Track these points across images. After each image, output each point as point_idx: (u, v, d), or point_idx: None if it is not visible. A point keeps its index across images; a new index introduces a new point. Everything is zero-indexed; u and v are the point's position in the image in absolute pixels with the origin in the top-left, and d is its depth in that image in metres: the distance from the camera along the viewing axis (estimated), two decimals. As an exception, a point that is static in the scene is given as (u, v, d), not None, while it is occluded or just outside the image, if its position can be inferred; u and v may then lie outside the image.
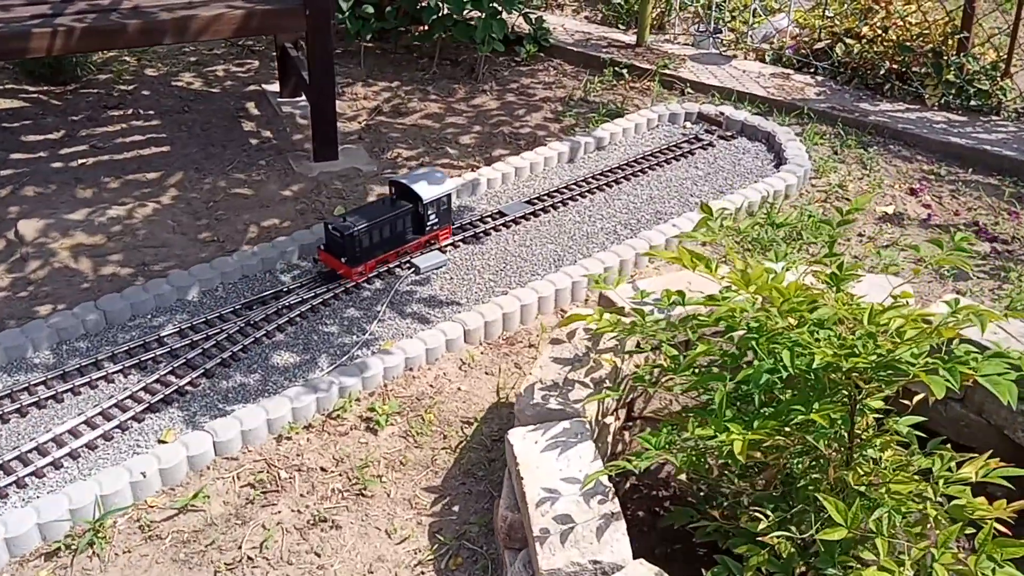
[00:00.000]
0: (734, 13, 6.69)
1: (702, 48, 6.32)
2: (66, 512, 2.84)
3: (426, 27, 6.00)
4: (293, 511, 2.99)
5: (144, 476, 2.96)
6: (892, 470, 2.61)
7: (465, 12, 5.75)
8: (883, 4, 5.74)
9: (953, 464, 2.58)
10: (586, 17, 7.05)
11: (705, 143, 5.12)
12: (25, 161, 4.92)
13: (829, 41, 5.98)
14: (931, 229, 4.49)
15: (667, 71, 5.93)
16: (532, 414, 2.83)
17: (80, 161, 4.94)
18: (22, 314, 3.80)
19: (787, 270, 2.91)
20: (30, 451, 3.09)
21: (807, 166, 4.78)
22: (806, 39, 6.12)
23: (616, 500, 2.54)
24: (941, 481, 2.51)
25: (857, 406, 2.53)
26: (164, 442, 3.16)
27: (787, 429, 2.42)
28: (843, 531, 2.32)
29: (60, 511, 2.83)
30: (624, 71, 5.97)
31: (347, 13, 5.99)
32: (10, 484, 2.97)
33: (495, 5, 5.73)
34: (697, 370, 2.62)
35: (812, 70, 5.98)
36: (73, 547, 2.81)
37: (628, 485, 3.19)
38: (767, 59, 6.15)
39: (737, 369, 2.50)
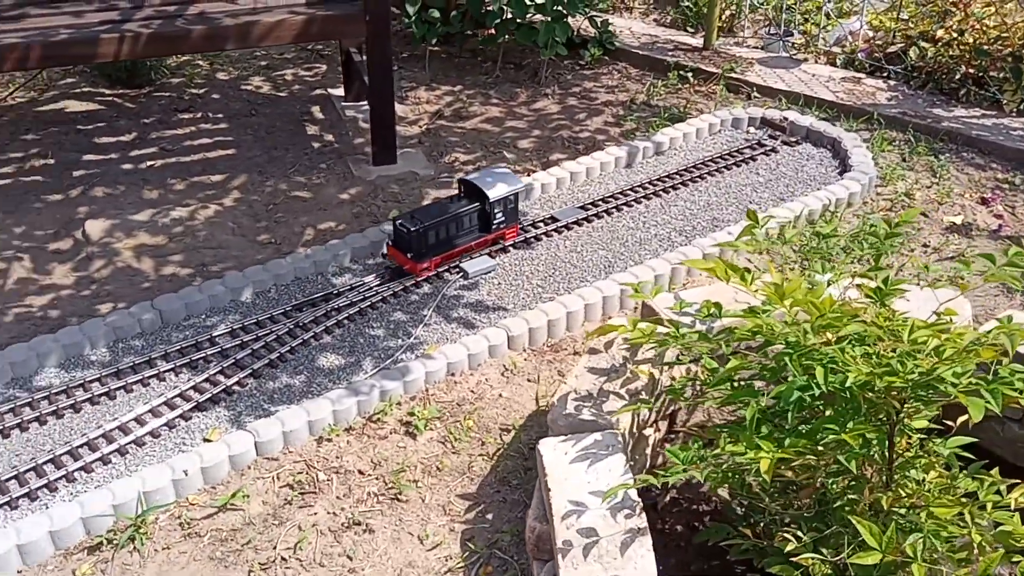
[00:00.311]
0: (806, 16, 6.53)
1: (772, 51, 6.19)
2: (109, 508, 2.92)
3: (490, 31, 6.00)
4: (329, 513, 3.02)
5: (186, 474, 3.03)
6: (935, 492, 2.53)
7: (528, 16, 5.74)
8: (961, 6, 5.54)
9: (1003, 487, 2.48)
10: (655, 20, 6.98)
11: (768, 149, 5.01)
12: (97, 162, 5.08)
13: (903, 44, 5.80)
14: (1001, 241, 4.32)
15: (733, 75, 5.82)
16: (565, 424, 2.81)
17: (149, 163, 5.09)
18: (84, 312, 3.92)
19: (831, 283, 2.83)
20: (80, 446, 3.19)
21: (872, 174, 4.64)
22: (879, 42, 5.95)
23: (643, 515, 2.50)
24: (989, 505, 2.42)
25: (897, 426, 2.45)
26: (209, 440, 3.22)
27: (820, 448, 2.35)
28: (877, 555, 2.25)
29: (104, 506, 2.91)
30: (689, 75, 5.89)
31: (413, 17, 6.04)
32: (60, 478, 3.07)
33: (559, 8, 5.70)
34: (733, 384, 2.57)
35: (884, 74, 5.80)
36: (115, 542, 2.89)
37: (668, 498, 3.15)
38: (838, 63, 5.99)
39: (774, 384, 2.44)
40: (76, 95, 5.86)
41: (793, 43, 6.19)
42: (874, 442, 2.34)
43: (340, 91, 5.82)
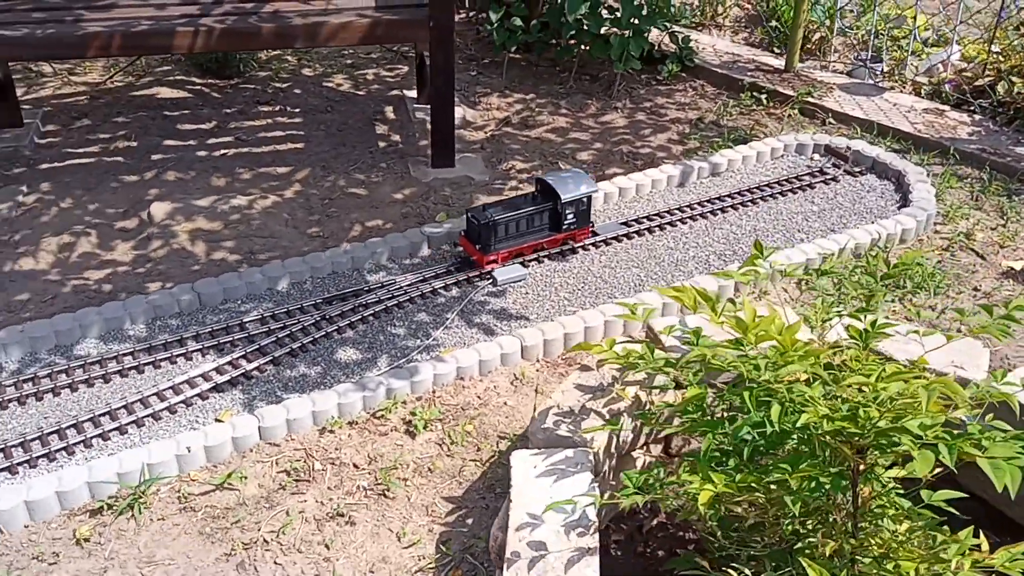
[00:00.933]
0: (901, 42, 6.33)
1: (857, 77, 6.03)
2: (115, 475, 3.09)
3: (566, 42, 6.04)
4: (317, 502, 3.12)
5: (189, 451, 3.18)
6: (906, 545, 2.45)
7: (604, 29, 5.75)
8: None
9: (985, 547, 2.40)
10: (744, 39, 6.88)
11: (829, 177, 4.90)
12: (175, 148, 5.35)
13: (992, 78, 5.57)
14: (1059, 290, 4.12)
15: (810, 99, 5.70)
16: (542, 438, 2.83)
17: (222, 151, 5.32)
18: (134, 288, 4.14)
19: (824, 322, 2.78)
20: (102, 415, 3.38)
21: (931, 211, 4.48)
22: (968, 74, 5.72)
23: (596, 535, 2.51)
24: (967, 564, 2.33)
25: (864, 473, 2.39)
26: (220, 421, 3.37)
27: (771, 487, 2.31)
28: None
29: (110, 473, 3.09)
30: (763, 96, 5.79)
31: (496, 25, 6.13)
32: (78, 443, 3.27)
33: (635, 23, 5.70)
34: (708, 415, 2.55)
35: (970, 108, 5.58)
36: (115, 508, 3.06)
37: (656, 523, 3.14)
38: (923, 93, 5.79)
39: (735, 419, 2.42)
40: (169, 83, 6.17)
41: (879, 70, 6.01)
42: (827, 486, 2.28)
43: (414, 93, 5.96)
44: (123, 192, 4.91)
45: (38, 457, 3.20)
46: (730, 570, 2.46)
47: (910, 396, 2.20)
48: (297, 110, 5.84)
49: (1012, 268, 4.26)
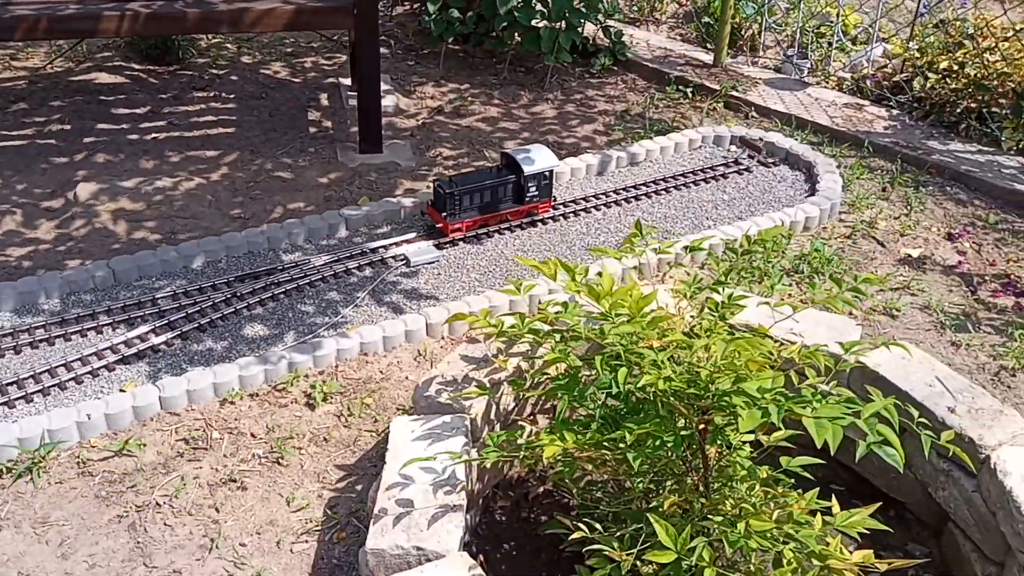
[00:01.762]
0: (826, 39, 6.49)
1: (785, 73, 6.18)
2: (15, 440, 3.17)
3: (499, 33, 6.15)
4: (213, 469, 3.21)
5: (89, 418, 3.26)
6: (758, 506, 2.58)
7: (535, 21, 5.87)
8: (979, 38, 5.45)
9: (836, 510, 2.54)
10: (680, 35, 7.02)
11: (742, 168, 5.04)
12: (107, 131, 5.41)
13: (909, 74, 5.73)
14: (952, 277, 4.27)
15: (734, 93, 5.85)
16: (424, 405, 2.95)
17: (154, 135, 5.40)
18: (53, 265, 4.21)
19: (689, 296, 2.90)
20: (9, 384, 3.46)
21: (836, 200, 4.63)
22: (888, 70, 5.89)
23: (463, 493, 2.62)
24: (818, 523, 2.46)
25: (711, 435, 2.51)
26: (123, 391, 3.46)
27: (618, 446, 2.43)
28: (671, 555, 2.33)
29: (10, 438, 3.17)
30: (689, 90, 5.93)
31: (434, 16, 6.24)
32: (-18, 410, 3.35)
33: (566, 16, 5.82)
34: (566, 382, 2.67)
35: (889, 103, 5.75)
36: (14, 472, 3.14)
37: (542, 490, 3.25)
38: (844, 88, 5.95)
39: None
40: (108, 68, 6.23)
41: (805, 66, 6.16)
42: (669, 444, 2.40)
43: (349, 80, 6.05)
44: (52, 173, 4.98)
45: (-59, 424, 3.27)
46: (591, 529, 2.58)
47: (741, 358, 2.32)
48: (232, 96, 5.92)
49: (909, 255, 4.41)
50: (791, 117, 5.59)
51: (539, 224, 4.53)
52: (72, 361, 3.59)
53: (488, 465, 3.07)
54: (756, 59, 6.44)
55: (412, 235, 4.38)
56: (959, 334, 3.88)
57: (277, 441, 3.30)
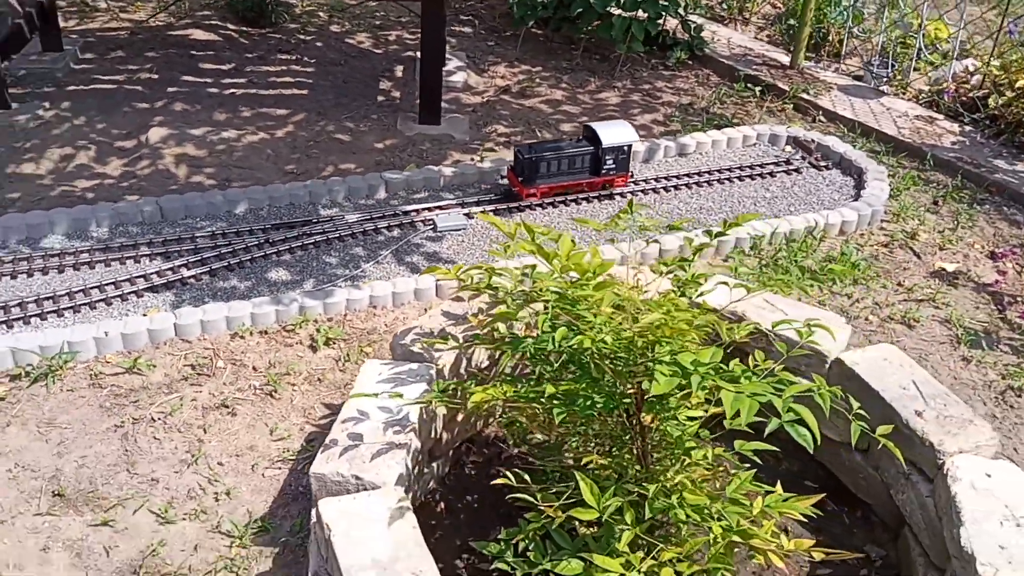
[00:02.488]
0: (910, 50, 6.32)
1: (864, 81, 6.06)
2: (37, 347, 3.46)
3: (574, 19, 6.23)
4: (211, 394, 3.43)
5: (106, 335, 3.52)
6: (696, 483, 2.62)
7: (609, 8, 5.93)
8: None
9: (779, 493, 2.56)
10: (768, 36, 6.94)
11: (792, 168, 4.99)
12: (190, 83, 5.74)
13: (987, 91, 5.55)
14: (983, 295, 4.15)
15: (805, 96, 5.77)
16: (400, 352, 3.08)
17: (231, 91, 5.69)
18: (113, 199, 4.52)
19: (664, 273, 2.94)
20: (46, 299, 3.76)
21: (878, 207, 4.54)
22: (967, 86, 5.71)
23: (411, 434, 2.74)
24: (759, 505, 2.49)
25: (648, 404, 2.56)
26: (146, 316, 3.71)
27: (546, 401, 2.51)
28: (594, 513, 2.40)
29: (32, 345, 3.45)
30: (758, 89, 5.89)
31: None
32: (18, 319, 3.65)
33: (641, 6, 5.85)
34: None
35: (963, 119, 5.58)
36: (32, 376, 3.42)
37: (516, 452, 3.34)
38: (920, 100, 5.80)
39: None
40: (205, 26, 6.59)
41: (883, 75, 6.02)
42: (599, 405, 2.46)
43: (425, 55, 6.23)
44: (131, 117, 5.32)
45: (-19, 326, 3.59)
46: (536, 485, 2.67)
47: (668, 328, 2.36)
48: (312, 61, 6.18)
49: (944, 268, 4.30)
50: (857, 124, 5.49)
51: (615, 197, 4.63)
52: (106, 284, 3.86)
53: (460, 418, 3.20)
54: (838, 65, 6.32)
55: (446, 202, 4.51)
56: (973, 350, 3.77)
57: (274, 376, 3.49)
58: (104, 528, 2.89)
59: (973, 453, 2.79)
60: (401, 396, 2.69)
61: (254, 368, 3.55)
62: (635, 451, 2.65)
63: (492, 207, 4.49)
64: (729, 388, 2.31)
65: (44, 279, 3.90)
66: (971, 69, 5.95)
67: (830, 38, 6.46)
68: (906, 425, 2.85)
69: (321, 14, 6.94)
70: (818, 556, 2.70)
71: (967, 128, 5.50)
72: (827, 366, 3.13)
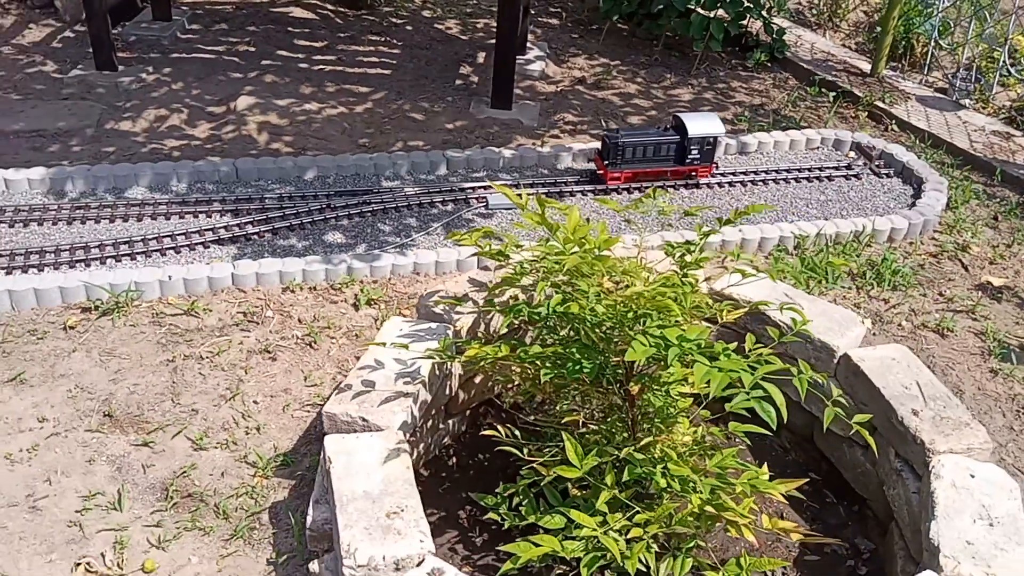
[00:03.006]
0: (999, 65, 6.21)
1: (949, 93, 5.99)
2: (107, 284, 3.79)
3: (655, 15, 6.33)
4: (257, 340, 3.71)
5: (170, 279, 3.84)
6: (684, 455, 2.75)
7: (689, 6, 6.02)
8: None
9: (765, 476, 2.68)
10: (857, 43, 6.90)
11: (852, 174, 5.00)
12: (283, 57, 6.08)
13: (1068, 108, 5.44)
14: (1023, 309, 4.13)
15: (880, 104, 5.75)
16: (423, 313, 3.29)
17: (320, 67, 6.01)
18: (197, 158, 4.87)
19: (678, 254, 3.07)
20: (123, 243, 4.10)
21: (931, 217, 4.54)
22: (1050, 102, 5.60)
23: (421, 385, 2.94)
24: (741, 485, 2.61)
25: (637, 375, 2.71)
26: (208, 265, 4.02)
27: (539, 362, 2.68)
28: (576, 472, 2.57)
29: (103, 282, 3.79)
30: (832, 94, 5.89)
31: (604, -7, 6.52)
32: (96, 259, 4.00)
33: (721, 6, 5.92)
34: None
35: (1043, 136, 5.49)
36: (100, 309, 3.76)
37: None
38: (1000, 116, 5.71)
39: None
40: (304, 4, 6.94)
41: (967, 88, 5.94)
42: (586, 368, 2.61)
43: (508, 44, 6.42)
44: (224, 85, 5.68)
45: (61, 263, 3.95)
46: (533, 444, 2.84)
47: (654, 300, 2.50)
48: (400, 43, 6.45)
49: (990, 282, 4.28)
50: (928, 135, 5.46)
51: (701, 187, 4.81)
52: (178, 234, 4.19)
53: (478, 380, 3.39)
54: (923, 76, 6.26)
55: (502, 182, 4.70)
56: (1003, 363, 3.77)
57: (316, 328, 3.75)
58: (144, 448, 3.18)
59: (965, 455, 2.84)
60: (407, 347, 2.89)
61: (299, 320, 3.81)
62: (625, 420, 2.80)
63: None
64: (704, 362, 2.44)
65: (124, 225, 4.25)
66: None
67: (917, 50, 6.39)
68: (900, 422, 2.92)
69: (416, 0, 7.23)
70: (796, 537, 2.81)
71: (1044, 146, 5.41)
72: (835, 361, 3.21)
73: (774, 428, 2.44)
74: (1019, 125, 5.61)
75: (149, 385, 3.44)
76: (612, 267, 2.71)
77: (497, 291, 3.02)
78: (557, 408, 2.92)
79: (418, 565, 2.41)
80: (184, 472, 3.11)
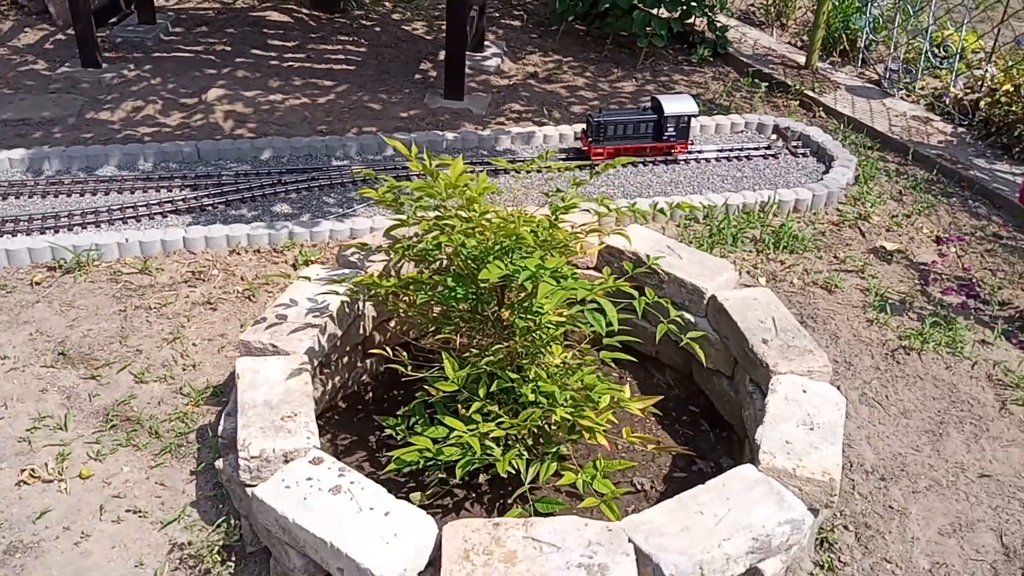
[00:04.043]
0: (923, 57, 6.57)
1: (883, 85, 6.35)
2: (71, 245, 4.23)
3: (602, 14, 6.75)
4: (202, 294, 4.12)
5: (127, 241, 4.27)
6: (555, 376, 3.13)
7: (634, 2, 6.43)
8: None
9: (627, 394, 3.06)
10: (802, 41, 7.28)
11: (771, 154, 5.38)
12: (256, 55, 6.54)
13: (981, 94, 5.79)
14: (911, 271, 4.48)
15: (809, 93, 6.13)
16: (342, 262, 3.69)
17: (289, 64, 6.46)
18: (166, 140, 5.31)
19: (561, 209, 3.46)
20: (90, 212, 4.54)
21: (834, 190, 4.91)
22: (968, 89, 5.96)
23: (328, 319, 3.34)
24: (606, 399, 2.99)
25: (509, 303, 3.09)
26: (163, 229, 4.45)
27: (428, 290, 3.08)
28: (453, 386, 2.96)
29: (68, 243, 4.23)
30: (765, 85, 6.27)
31: (559, -5, 6.94)
32: (65, 226, 4.44)
33: (663, 3, 6.33)
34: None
35: (960, 121, 5.84)
36: (64, 268, 4.20)
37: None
38: (922, 103, 6.08)
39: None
40: (282, 9, 7.41)
41: (895, 79, 6.30)
42: (459, 295, 3.01)
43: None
44: (199, 80, 6.14)
45: (32, 230, 4.39)
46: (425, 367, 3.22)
47: (509, 230, 2.89)
48: (366, 42, 6.90)
49: (883, 247, 4.64)
50: (851, 120, 5.83)
51: (679, 163, 5.27)
52: (140, 205, 4.63)
53: (392, 324, 3.78)
54: (863, 70, 6.63)
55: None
56: (880, 314, 4.12)
57: (256, 284, 4.16)
58: (91, 381, 3.60)
59: (807, 377, 3.20)
60: (309, 279, 3.30)
61: (242, 278, 4.23)
62: (500, 343, 3.18)
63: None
64: (550, 283, 2.84)
65: (92, 198, 4.69)
66: (973, 76, 6.17)
67: (858, 44, 6.76)
68: (751, 350, 3.28)
69: (388, 3, 7.67)
70: (651, 448, 3.19)
71: (960, 130, 5.76)
72: (705, 301, 3.59)
73: (603, 334, 2.83)
74: (938, 111, 5.97)
75: (101, 330, 3.87)
76: (485, 210, 3.11)
77: (403, 240, 3.41)
78: (443, 332, 3.30)
79: (304, 457, 2.81)
80: (125, 401, 3.52)
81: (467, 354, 3.22)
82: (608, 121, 5.11)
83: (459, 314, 3.21)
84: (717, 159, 5.31)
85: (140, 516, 3.05)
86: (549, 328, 3.21)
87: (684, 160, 5.28)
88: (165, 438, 3.36)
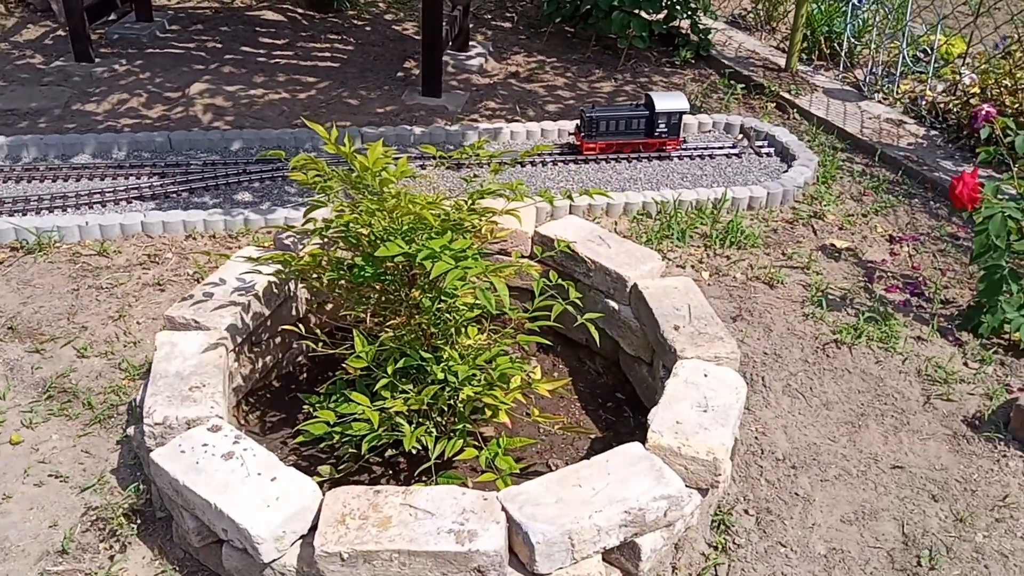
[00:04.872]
0: (900, 60, 6.57)
1: (863, 89, 6.37)
2: (34, 228, 4.39)
3: (584, 16, 6.83)
4: (153, 275, 4.26)
5: (87, 224, 4.43)
6: (469, 358, 3.21)
7: (614, 4, 6.50)
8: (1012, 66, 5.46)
9: (538, 374, 3.14)
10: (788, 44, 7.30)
11: (734, 153, 5.42)
12: (245, 52, 6.71)
13: (953, 98, 5.79)
14: (857, 268, 4.49)
15: (785, 95, 6.16)
16: (278, 244, 3.81)
17: (276, 60, 6.62)
18: (144, 131, 5.48)
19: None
20: (58, 197, 4.71)
21: (789, 188, 4.93)
22: (942, 93, 5.96)
23: (253, 297, 3.45)
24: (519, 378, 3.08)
25: (419, 283, 3.18)
26: (122, 213, 4.60)
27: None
28: (363, 362, 3.07)
29: (30, 225, 4.39)
30: (740, 86, 6.31)
31: (547, -2, 7.04)
32: (34, 210, 4.61)
33: (642, 5, 6.40)
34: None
35: (932, 124, 5.84)
36: (25, 248, 4.36)
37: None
38: (896, 106, 6.08)
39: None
40: (277, 8, 7.58)
41: (871, 82, 6.31)
42: (368, 274, 3.10)
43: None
44: (185, 75, 6.32)
45: (5, 212, 4.56)
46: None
47: (412, 210, 2.99)
48: (354, 41, 7.04)
49: (833, 244, 4.66)
50: (822, 121, 5.85)
51: (672, 159, 5.35)
52: (107, 191, 4.79)
53: (329, 307, 3.89)
54: (846, 74, 6.64)
55: (409, 155, 5.22)
56: (817, 308, 4.15)
57: (207, 269, 4.29)
58: (35, 354, 3.74)
59: (713, 363, 3.25)
60: (228, 257, 3.42)
61: (195, 261, 4.36)
62: (419, 326, 3.27)
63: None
64: (448, 261, 2.92)
65: (64, 184, 4.86)
66: (968, 82, 6.16)
67: (843, 47, 6.77)
68: (662, 335, 3.34)
69: (380, 4, 7.81)
70: (558, 429, 3.26)
71: (932, 133, 5.76)
72: (628, 289, 3.65)
73: (493, 312, 2.91)
74: (912, 114, 5.97)
75: (52, 308, 4.01)
76: (396, 192, 3.20)
77: (321, 221, 3.52)
78: (355, 312, 3.40)
79: (204, 424, 2.91)
80: (64, 374, 3.65)
81: (382, 334, 3.31)
82: (600, 117, 5.19)
83: (371, 293, 3.30)
84: (680, 157, 5.36)
85: (61, 481, 3.18)
86: (463, 310, 3.30)
87: (647, 158, 5.33)
88: (97, 409, 3.49)
